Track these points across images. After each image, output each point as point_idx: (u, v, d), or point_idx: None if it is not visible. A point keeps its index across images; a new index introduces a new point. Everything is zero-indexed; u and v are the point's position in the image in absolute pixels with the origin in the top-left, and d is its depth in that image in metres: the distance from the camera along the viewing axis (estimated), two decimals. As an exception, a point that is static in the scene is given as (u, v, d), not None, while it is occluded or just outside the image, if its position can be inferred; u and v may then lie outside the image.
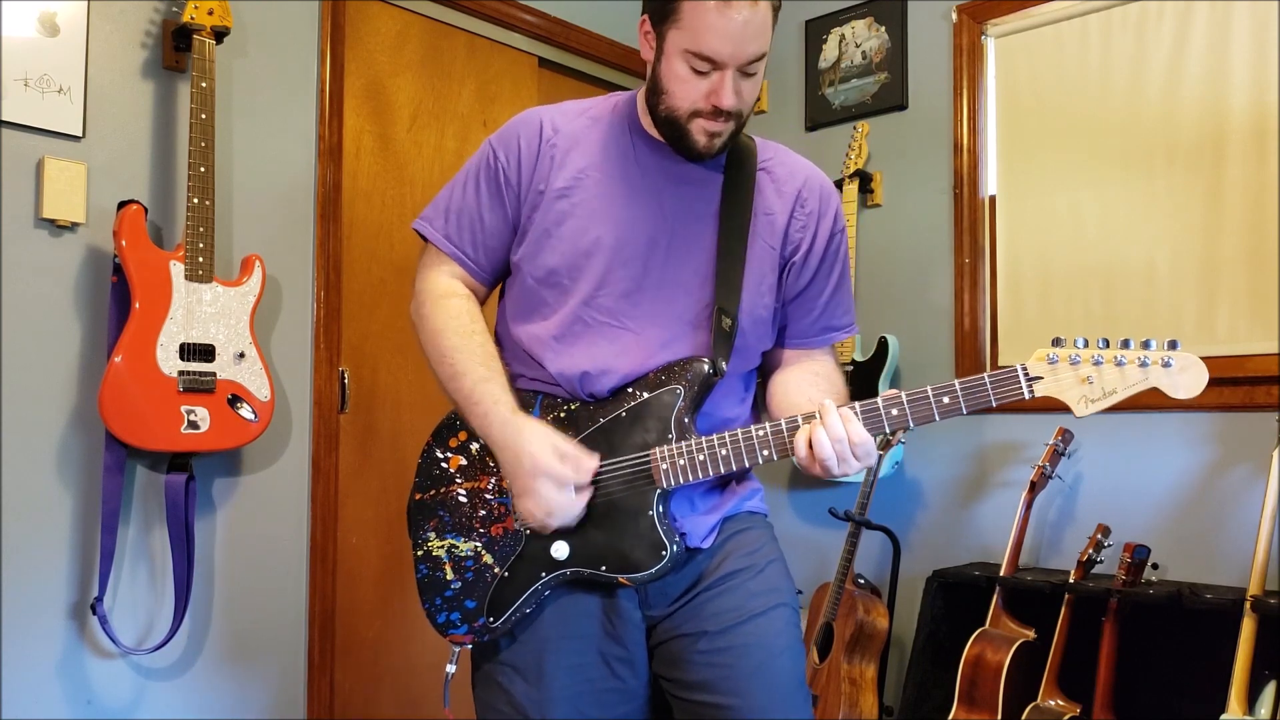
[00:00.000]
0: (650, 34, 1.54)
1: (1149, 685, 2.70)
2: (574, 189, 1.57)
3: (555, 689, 1.52)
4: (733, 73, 1.47)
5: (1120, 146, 3.01)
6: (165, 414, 2.26)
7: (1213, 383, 2.73)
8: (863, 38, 3.56)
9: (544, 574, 1.52)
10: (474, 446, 1.59)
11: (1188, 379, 1.36)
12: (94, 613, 2.28)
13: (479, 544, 1.56)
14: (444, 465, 1.61)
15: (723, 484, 1.63)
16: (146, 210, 2.32)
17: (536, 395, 1.58)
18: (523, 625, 1.55)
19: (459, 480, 1.59)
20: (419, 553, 1.60)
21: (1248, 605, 2.38)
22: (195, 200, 2.30)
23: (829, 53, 3.65)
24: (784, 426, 1.46)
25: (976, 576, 2.93)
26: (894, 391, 1.42)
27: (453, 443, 1.61)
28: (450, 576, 1.57)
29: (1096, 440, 2.98)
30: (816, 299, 1.65)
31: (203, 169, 2.31)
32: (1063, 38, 3.14)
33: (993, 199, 3.28)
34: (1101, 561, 2.73)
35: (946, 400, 1.40)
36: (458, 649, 1.59)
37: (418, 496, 1.62)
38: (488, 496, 1.57)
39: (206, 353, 2.32)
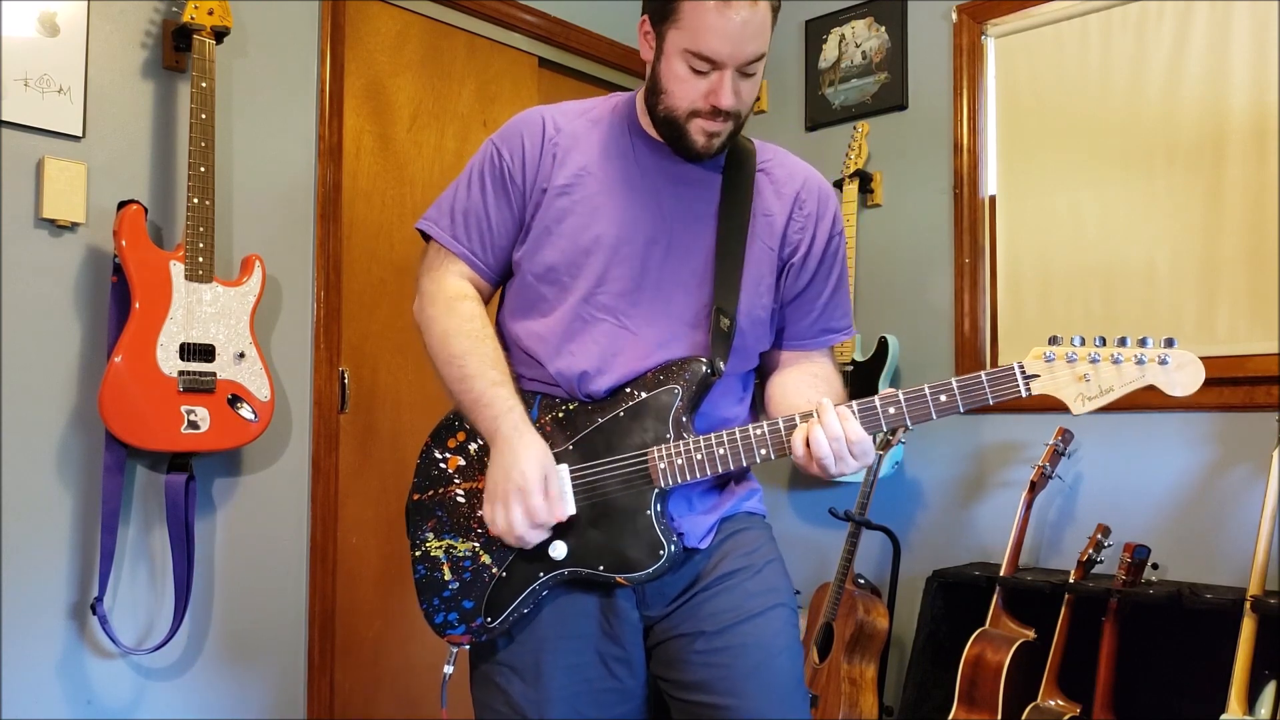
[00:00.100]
0: (650, 34, 1.54)
1: (1149, 685, 2.70)
2: (574, 187, 1.57)
3: (553, 689, 1.52)
4: (732, 73, 1.47)
5: (1120, 146, 3.01)
6: (165, 414, 2.26)
7: (1213, 383, 2.74)
8: (863, 38, 3.56)
9: (542, 574, 1.52)
10: (472, 447, 1.59)
11: (1184, 376, 1.36)
12: (94, 613, 2.29)
13: (477, 544, 1.56)
14: (442, 466, 1.61)
15: (721, 484, 1.63)
16: (146, 210, 2.32)
17: (535, 396, 1.58)
18: (520, 625, 1.56)
19: (457, 480, 1.59)
20: (417, 553, 1.60)
21: (1248, 605, 2.38)
22: (195, 200, 2.30)
23: (829, 53, 3.65)
24: (781, 426, 1.46)
25: (976, 576, 2.93)
26: (891, 390, 1.42)
27: (451, 443, 1.61)
28: (448, 577, 1.57)
29: (1096, 440, 2.98)
30: (815, 301, 1.65)
31: (203, 169, 2.31)
32: (1063, 38, 3.14)
33: (993, 199, 3.28)
34: (1101, 561, 2.73)
35: (943, 399, 1.40)
36: (455, 649, 1.59)
37: (416, 497, 1.62)
38: (485, 495, 1.57)
39: (206, 353, 2.32)
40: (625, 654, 1.55)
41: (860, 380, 3.30)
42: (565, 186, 1.57)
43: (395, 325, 2.96)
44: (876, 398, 1.43)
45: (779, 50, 3.70)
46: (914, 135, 3.42)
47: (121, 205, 2.29)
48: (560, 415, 1.55)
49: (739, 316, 1.56)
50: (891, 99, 3.48)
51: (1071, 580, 2.71)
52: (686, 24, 1.46)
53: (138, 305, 2.24)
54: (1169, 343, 1.37)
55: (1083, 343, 1.39)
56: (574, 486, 1.52)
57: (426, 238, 1.67)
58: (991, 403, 1.40)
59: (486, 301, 1.67)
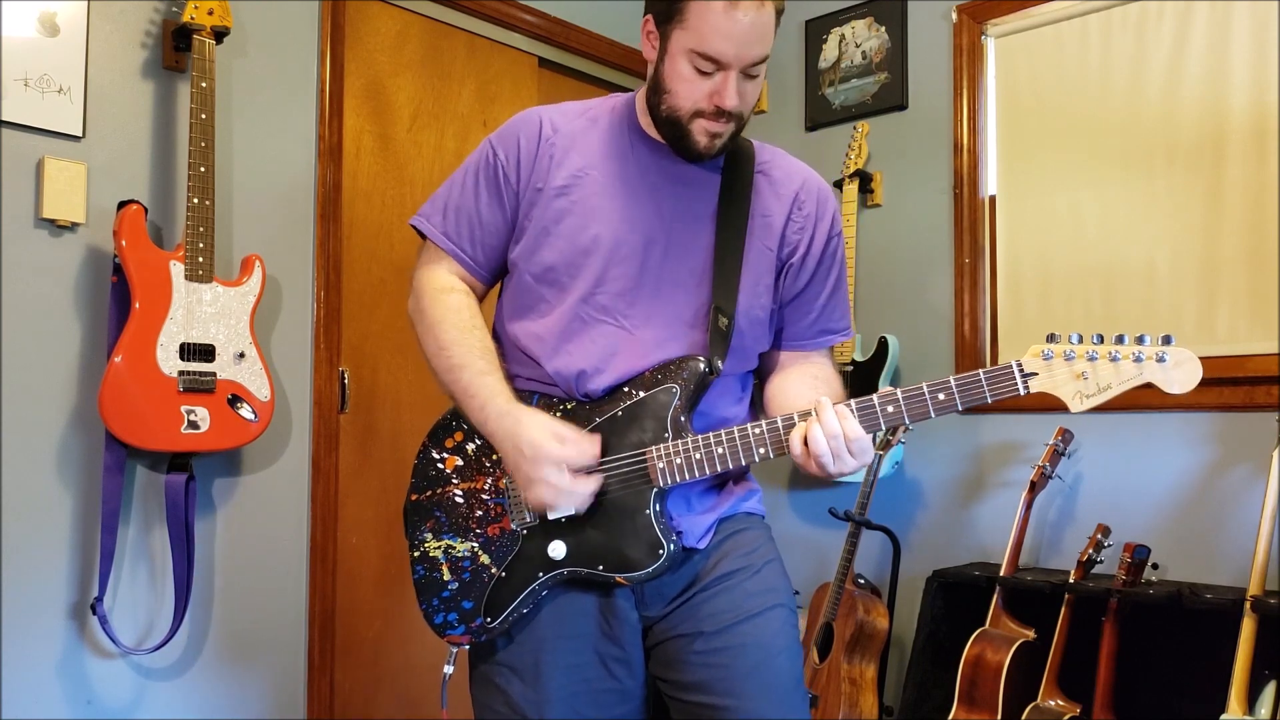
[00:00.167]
0: (653, 34, 1.54)
1: (1149, 685, 2.69)
2: (573, 187, 1.57)
3: (552, 689, 1.52)
4: (736, 74, 1.48)
5: (1120, 146, 3.01)
6: (165, 414, 2.26)
7: (1213, 383, 2.76)
8: (863, 38, 3.56)
9: (541, 574, 1.52)
10: (470, 447, 1.59)
11: (1182, 374, 1.36)
12: (94, 613, 2.29)
13: (476, 544, 1.56)
14: (440, 466, 1.61)
15: (720, 485, 1.63)
16: (146, 210, 2.32)
17: (533, 395, 1.58)
18: (519, 626, 1.55)
19: (455, 481, 1.59)
20: (415, 554, 1.60)
21: (1248, 605, 2.38)
22: (195, 200, 2.31)
23: (829, 53, 3.65)
24: (780, 424, 1.46)
25: (976, 576, 2.93)
26: (889, 389, 1.43)
27: (449, 443, 1.61)
28: (447, 577, 1.57)
29: (1096, 440, 2.98)
30: (813, 301, 1.65)
31: (203, 169, 2.32)
32: (1063, 38, 3.14)
33: (993, 199, 3.28)
34: (1101, 561, 2.73)
35: (942, 397, 1.40)
36: (455, 650, 1.59)
37: (414, 497, 1.62)
38: (484, 497, 1.57)
39: (206, 353, 2.32)
40: (624, 654, 1.55)
41: (860, 380, 3.30)
42: (563, 187, 1.57)
43: (395, 325, 2.96)
44: (875, 396, 1.43)
45: (779, 50, 3.70)
46: (914, 135, 3.42)
47: (121, 205, 2.29)
48: (558, 414, 1.55)
49: (737, 316, 1.56)
50: (891, 99, 3.48)
51: (1071, 580, 2.71)
52: (693, 24, 1.46)
53: (138, 305, 2.24)
54: (1166, 340, 1.37)
55: (1080, 341, 1.39)
56: None
57: (422, 235, 1.67)
58: (990, 401, 1.40)
59: (480, 300, 1.67)
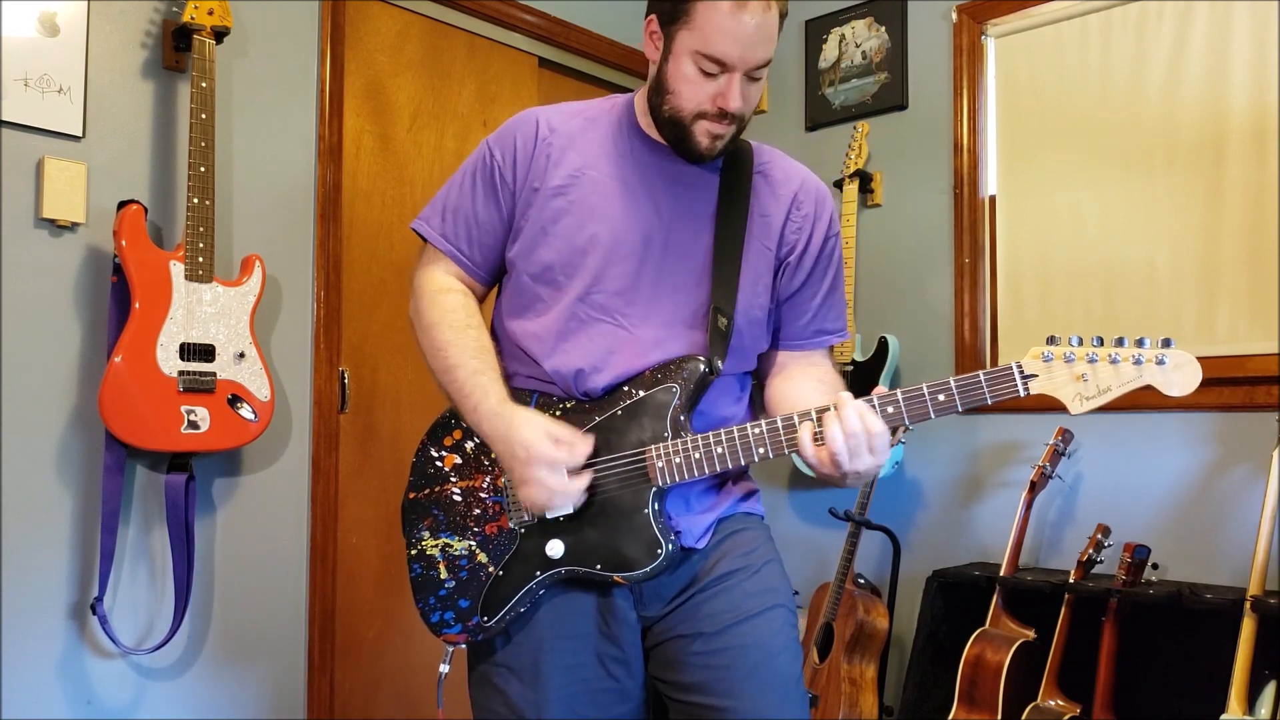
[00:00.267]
0: (657, 34, 1.55)
1: (1149, 685, 2.69)
2: (571, 187, 1.58)
3: (550, 689, 1.52)
4: (740, 76, 1.48)
5: (1120, 146, 3.01)
6: (165, 414, 2.26)
7: (1213, 383, 2.76)
8: (863, 38, 3.56)
9: (539, 573, 1.52)
10: (469, 445, 1.59)
11: (1181, 376, 1.36)
12: (94, 613, 2.29)
13: (473, 543, 1.56)
14: (439, 464, 1.61)
15: (719, 485, 1.63)
16: (146, 210, 2.32)
17: (532, 394, 1.58)
18: (518, 625, 1.55)
19: (453, 479, 1.59)
20: (413, 552, 1.60)
21: (1248, 605, 2.38)
22: (195, 200, 2.31)
23: (829, 53, 3.65)
24: (780, 424, 1.46)
25: (976, 576, 2.93)
26: (890, 390, 1.42)
27: (447, 441, 1.61)
28: (444, 575, 1.57)
29: (1096, 440, 2.98)
30: (810, 301, 1.65)
31: (203, 169, 2.32)
32: (1063, 38, 3.14)
33: (993, 199, 3.28)
34: (1101, 561, 2.73)
35: (942, 398, 1.40)
36: (451, 649, 1.59)
37: (412, 495, 1.62)
38: (482, 495, 1.57)
39: (206, 353, 2.32)
40: (623, 654, 1.55)
41: (860, 380, 3.30)
42: (561, 187, 1.58)
43: (395, 325, 2.97)
44: (874, 397, 1.43)
45: (779, 50, 3.69)
46: (914, 135, 3.42)
47: (121, 205, 2.29)
48: (557, 413, 1.55)
49: (737, 316, 1.56)
50: (891, 99, 3.48)
51: (1071, 580, 2.71)
52: (698, 26, 1.47)
53: (138, 305, 2.24)
54: (1166, 343, 1.37)
55: (1080, 343, 1.39)
56: None
57: (421, 237, 1.68)
58: (990, 402, 1.40)
59: (480, 300, 1.68)
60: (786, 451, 1.46)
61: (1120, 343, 1.38)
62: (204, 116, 2.33)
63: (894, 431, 1.44)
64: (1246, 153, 2.79)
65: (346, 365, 2.86)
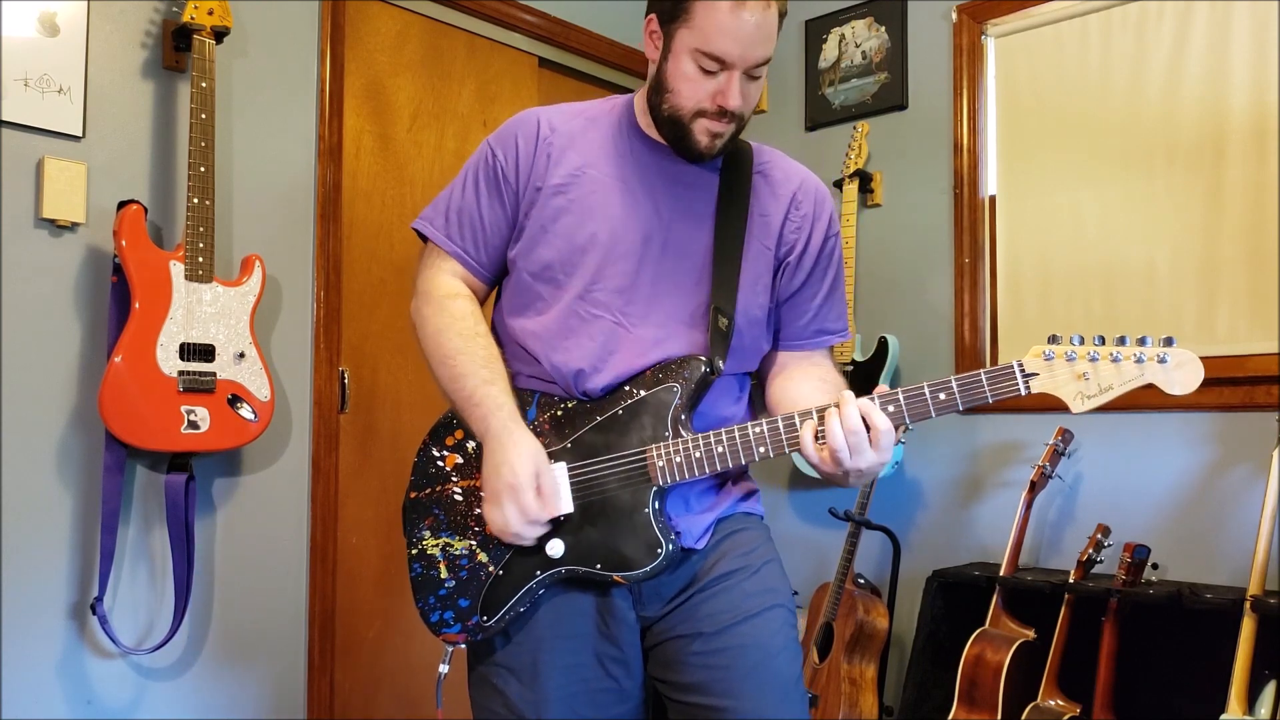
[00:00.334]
0: (656, 33, 1.55)
1: (1149, 685, 2.69)
2: (570, 186, 1.58)
3: (550, 689, 1.52)
4: (740, 74, 1.49)
5: (1120, 146, 3.01)
6: (165, 414, 2.26)
7: (1213, 383, 2.75)
8: (863, 38, 3.56)
9: (539, 572, 1.52)
10: (470, 445, 1.59)
11: (1183, 375, 1.36)
12: (94, 613, 2.29)
13: (474, 542, 1.56)
14: (440, 464, 1.61)
15: (719, 485, 1.63)
16: (146, 210, 2.32)
17: (534, 394, 1.58)
18: (517, 626, 1.55)
19: (455, 479, 1.59)
20: (413, 551, 1.60)
21: (1248, 605, 2.38)
22: (195, 200, 2.31)
23: (829, 53, 3.65)
24: (780, 423, 1.46)
25: (976, 576, 2.93)
26: (891, 389, 1.42)
27: (449, 441, 1.61)
28: (444, 575, 1.57)
29: (1096, 440, 2.98)
30: (810, 301, 1.65)
31: (203, 169, 2.32)
32: (1063, 38, 3.14)
33: (993, 199, 3.28)
34: (1101, 561, 2.73)
35: (943, 397, 1.40)
36: (451, 648, 1.59)
37: (413, 495, 1.62)
38: (483, 495, 1.57)
39: (206, 353, 2.32)
40: (622, 654, 1.55)
41: (860, 380, 3.30)
42: (561, 186, 1.58)
43: (395, 325, 2.96)
44: (875, 396, 1.43)
45: (779, 50, 3.69)
46: (914, 135, 3.42)
47: (121, 205, 2.29)
48: (559, 413, 1.55)
49: (737, 316, 1.56)
50: (891, 99, 3.48)
51: (1071, 580, 2.71)
52: (698, 24, 1.47)
53: (138, 305, 2.24)
54: (1168, 341, 1.37)
55: (1082, 341, 1.38)
56: (572, 484, 1.52)
57: (424, 238, 1.68)
58: (991, 401, 1.39)
59: (482, 301, 1.68)
60: (787, 450, 1.46)
61: (1122, 341, 1.38)
62: (204, 116, 2.33)
63: (895, 429, 1.43)
64: (1246, 153, 2.79)
65: (346, 365, 2.86)
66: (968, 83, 3.30)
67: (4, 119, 2.22)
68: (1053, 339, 1.39)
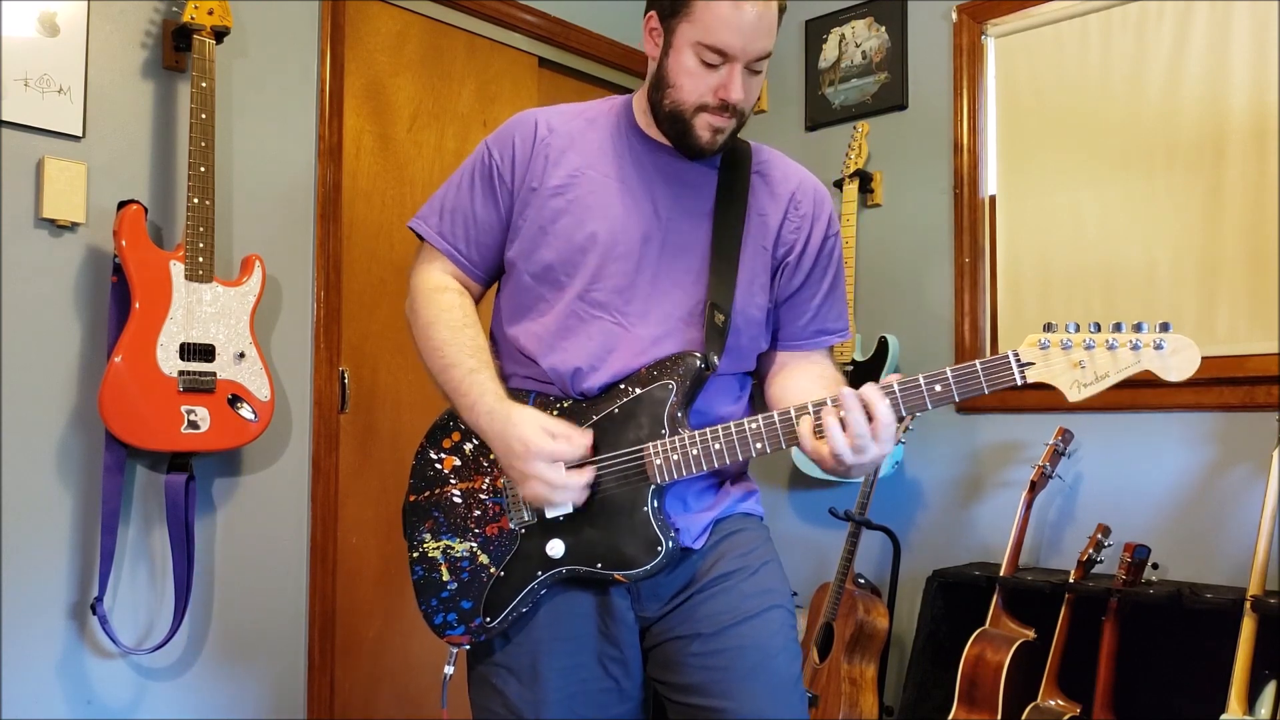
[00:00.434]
0: (656, 30, 1.55)
1: (1149, 685, 2.69)
2: (569, 186, 1.58)
3: (549, 690, 1.52)
4: (741, 68, 1.49)
5: (1120, 146, 3.01)
6: (165, 414, 2.26)
7: (1213, 383, 2.76)
8: (863, 38, 3.56)
9: (540, 572, 1.52)
10: (467, 447, 1.59)
11: (1180, 361, 1.34)
12: (94, 613, 2.29)
13: (474, 544, 1.56)
14: (438, 466, 1.61)
15: (718, 485, 1.63)
16: (146, 210, 2.32)
17: (530, 394, 1.58)
18: (517, 626, 1.55)
19: (453, 481, 1.59)
20: (415, 554, 1.60)
21: (1248, 605, 2.38)
22: (195, 200, 2.31)
23: (829, 53, 3.65)
24: (777, 418, 1.46)
25: (976, 576, 2.93)
26: (886, 381, 1.42)
27: (446, 443, 1.61)
28: (446, 577, 1.57)
29: (1096, 440, 2.98)
30: (809, 301, 1.65)
31: (203, 169, 2.32)
32: (1063, 38, 3.14)
33: (993, 199, 3.28)
34: (1101, 561, 2.73)
35: (939, 388, 1.39)
36: (455, 650, 1.59)
37: (412, 498, 1.62)
38: (482, 496, 1.57)
39: (206, 353, 2.32)
40: (621, 655, 1.55)
41: (860, 380, 3.27)
42: (560, 186, 1.58)
43: (395, 325, 2.97)
44: (869, 389, 1.42)
45: (779, 50, 3.69)
46: (914, 135, 3.42)
47: (121, 205, 2.30)
48: (555, 414, 1.55)
49: (734, 314, 1.56)
50: (891, 99, 3.48)
51: (1071, 580, 2.71)
52: (699, 17, 1.47)
53: (138, 305, 2.24)
54: (1164, 327, 1.35)
55: (1077, 329, 1.37)
56: None
57: (421, 238, 1.68)
58: (987, 392, 1.38)
59: (477, 301, 1.68)
60: (784, 445, 1.46)
61: (1117, 328, 1.36)
62: (204, 116, 2.33)
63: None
64: (1246, 153, 2.79)
65: (346, 365, 2.86)
66: (968, 83, 3.30)
67: (4, 119, 2.23)
68: (1048, 327, 1.38)
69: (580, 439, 1.49)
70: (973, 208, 3.28)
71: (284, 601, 2.68)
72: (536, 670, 1.53)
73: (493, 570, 1.54)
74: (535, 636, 1.55)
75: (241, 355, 2.38)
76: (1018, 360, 1.38)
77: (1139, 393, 2.85)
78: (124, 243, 2.25)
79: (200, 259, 2.32)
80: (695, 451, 1.48)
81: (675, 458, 1.48)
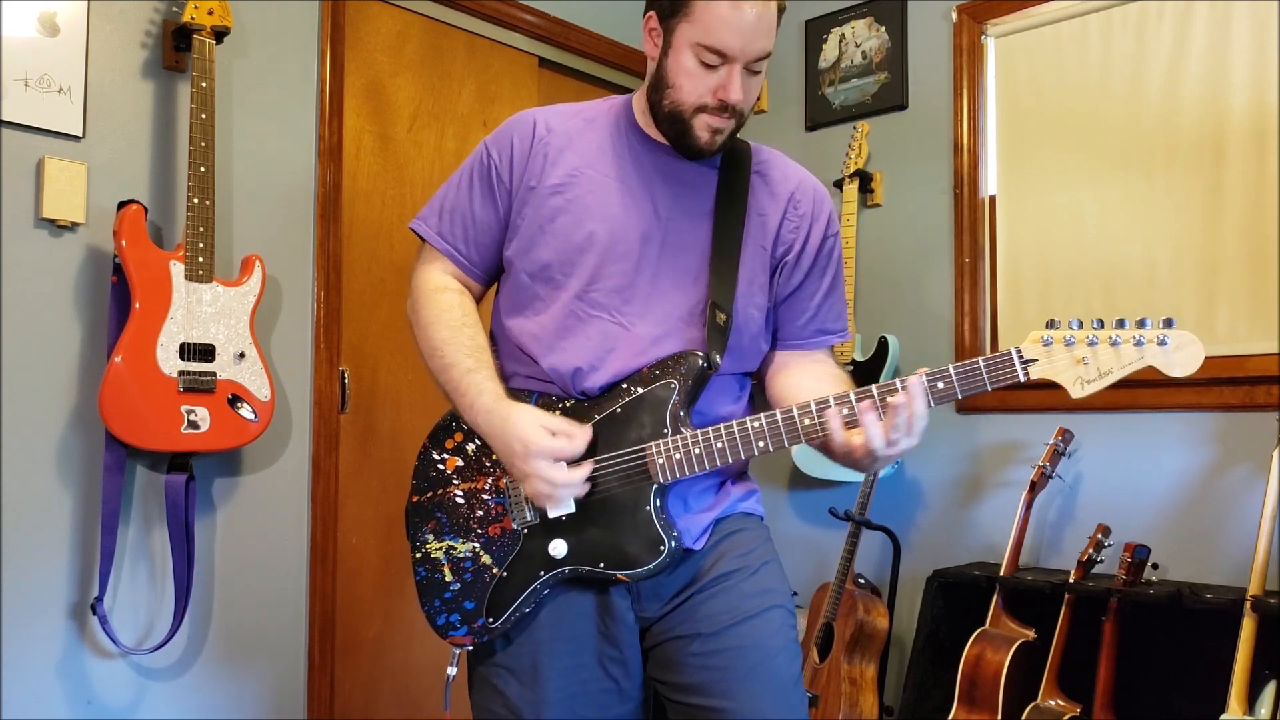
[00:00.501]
0: (656, 30, 1.55)
1: (1149, 685, 2.69)
2: (568, 186, 1.58)
3: (550, 690, 1.52)
4: (740, 68, 1.49)
5: (1120, 146, 3.01)
6: (165, 414, 2.26)
7: (1213, 382, 2.76)
8: (863, 38, 3.56)
9: (543, 573, 1.52)
10: (470, 447, 1.59)
11: (1183, 357, 1.35)
12: (94, 613, 2.29)
13: (477, 545, 1.56)
14: (440, 467, 1.61)
15: (718, 485, 1.62)
16: (146, 210, 2.32)
17: (531, 394, 1.58)
18: (518, 627, 1.55)
19: (456, 481, 1.59)
20: (417, 555, 1.60)
21: (1248, 605, 2.38)
22: (195, 200, 2.30)
23: (829, 53, 3.65)
24: (779, 416, 1.46)
25: (976, 576, 2.93)
26: (889, 381, 1.42)
27: (449, 444, 1.61)
28: (449, 578, 1.57)
29: (1096, 440, 2.98)
30: (808, 301, 1.65)
31: (203, 169, 2.32)
32: (1063, 38, 3.14)
33: (993, 199, 3.28)
34: (1101, 561, 2.73)
35: (941, 385, 1.39)
36: (458, 651, 1.59)
37: (415, 499, 1.62)
38: (485, 497, 1.57)
39: (206, 353, 2.32)
40: (622, 655, 1.55)
41: (860, 380, 3.28)
42: (558, 186, 1.58)
43: (395, 325, 2.96)
44: (874, 388, 1.42)
45: (779, 50, 3.69)
46: (914, 135, 3.42)
47: (121, 205, 2.29)
48: (557, 414, 1.55)
49: (735, 313, 1.56)
50: (891, 99, 3.48)
51: (1071, 580, 2.71)
52: (698, 17, 1.48)
53: (138, 305, 2.24)
54: (1168, 323, 1.36)
55: (1081, 326, 1.37)
56: None
57: (419, 236, 1.68)
58: (990, 389, 1.38)
59: (477, 300, 1.68)
60: (787, 443, 1.46)
61: (1121, 324, 1.36)
62: (204, 116, 2.33)
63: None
64: (1246, 153, 2.79)
65: (346, 365, 2.86)
66: (968, 83, 3.30)
67: (4, 119, 2.22)
68: (1051, 324, 1.38)
69: (580, 435, 1.49)
70: (973, 208, 3.28)
71: (284, 601, 2.68)
72: (537, 671, 1.53)
73: (496, 571, 1.54)
74: (536, 637, 1.55)
75: (241, 355, 2.38)
76: (1021, 357, 1.38)
77: (1139, 393, 2.85)
78: (124, 243, 2.25)
79: (200, 259, 2.32)
80: (698, 450, 1.48)
81: (678, 457, 1.48)
